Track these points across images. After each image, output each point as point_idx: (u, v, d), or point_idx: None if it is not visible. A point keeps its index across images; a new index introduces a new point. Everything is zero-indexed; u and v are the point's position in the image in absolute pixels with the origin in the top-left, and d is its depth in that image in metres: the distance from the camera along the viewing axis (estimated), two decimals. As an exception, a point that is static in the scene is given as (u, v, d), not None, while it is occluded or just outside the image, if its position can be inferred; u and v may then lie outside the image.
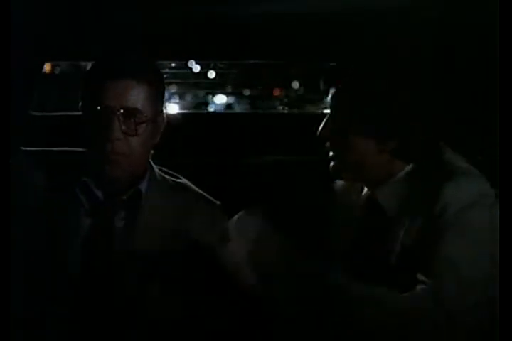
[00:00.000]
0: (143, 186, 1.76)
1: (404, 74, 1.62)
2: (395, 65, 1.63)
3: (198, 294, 1.68)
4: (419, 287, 1.49)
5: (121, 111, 1.65)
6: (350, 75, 1.63)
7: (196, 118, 2.68)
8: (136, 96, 1.67)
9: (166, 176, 1.84)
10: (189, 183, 1.85)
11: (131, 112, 1.66)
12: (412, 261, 1.54)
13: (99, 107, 1.65)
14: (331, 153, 1.67)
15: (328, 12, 1.96)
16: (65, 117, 2.47)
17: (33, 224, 1.70)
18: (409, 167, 1.64)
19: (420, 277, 1.50)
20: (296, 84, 6.88)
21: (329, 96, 1.67)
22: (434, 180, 1.56)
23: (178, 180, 1.85)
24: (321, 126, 1.66)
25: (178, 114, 2.75)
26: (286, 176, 2.31)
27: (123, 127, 1.66)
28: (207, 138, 2.42)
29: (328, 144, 1.67)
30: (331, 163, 1.68)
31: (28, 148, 1.89)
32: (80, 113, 1.74)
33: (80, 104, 1.73)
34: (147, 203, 1.75)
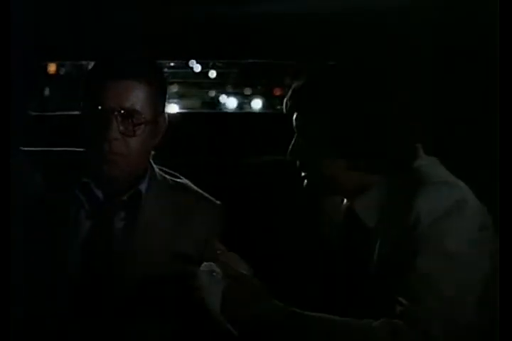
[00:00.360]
0: (143, 186, 1.76)
1: (367, 88, 1.60)
2: (355, 79, 1.61)
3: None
4: (398, 310, 1.44)
5: (120, 111, 1.65)
6: (309, 99, 1.62)
7: (196, 117, 2.68)
8: (136, 97, 1.67)
9: (166, 176, 1.84)
10: (190, 183, 1.86)
11: (129, 113, 1.66)
12: (389, 273, 1.51)
13: (99, 107, 1.65)
14: (302, 173, 1.67)
15: (328, 12, 1.96)
16: (65, 117, 2.48)
17: (33, 225, 1.70)
18: (382, 177, 1.61)
19: (397, 297, 1.45)
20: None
21: (293, 118, 1.67)
22: (408, 190, 1.53)
23: (179, 180, 1.85)
24: (289, 148, 1.67)
25: (178, 113, 2.75)
26: (288, 176, 2.31)
27: (121, 128, 1.66)
28: (207, 138, 2.42)
29: (298, 164, 1.67)
30: (305, 181, 1.67)
31: (28, 148, 1.89)
32: (79, 112, 1.74)
33: (81, 103, 1.73)
34: (147, 203, 1.75)
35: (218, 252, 1.54)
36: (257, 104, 6.85)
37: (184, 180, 1.86)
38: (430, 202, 1.49)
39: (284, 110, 1.69)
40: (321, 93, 1.61)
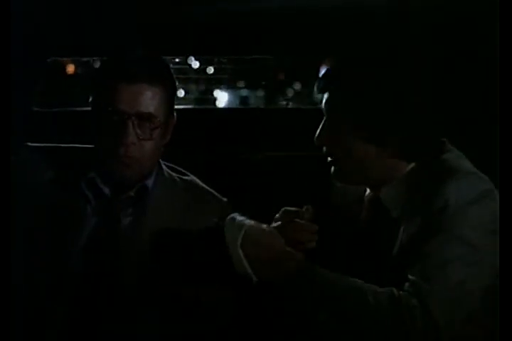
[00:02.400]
0: (149, 182, 1.77)
1: (401, 75, 1.60)
2: (391, 66, 1.60)
3: (203, 288, 1.69)
4: (406, 286, 1.47)
5: (136, 116, 1.66)
6: (343, 80, 1.61)
7: (201, 114, 2.68)
8: (151, 101, 1.68)
9: (172, 173, 1.84)
10: (196, 180, 1.86)
11: (145, 117, 1.67)
12: (408, 261, 1.52)
13: (114, 111, 1.66)
14: (329, 158, 1.66)
15: (327, 7, 1.96)
16: (70, 113, 2.48)
17: (39, 221, 1.71)
18: (410, 166, 1.62)
19: (411, 276, 1.47)
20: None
21: (323, 102, 1.66)
22: (436, 179, 1.54)
23: (185, 177, 1.85)
24: (317, 133, 1.65)
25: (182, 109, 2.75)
26: (295, 172, 2.32)
27: (138, 132, 1.67)
28: (214, 134, 2.42)
29: (325, 149, 1.65)
30: (332, 168, 1.67)
31: (34, 144, 1.90)
32: (83, 109, 1.74)
33: (91, 104, 1.73)
34: (154, 199, 1.76)
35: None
36: (259, 99, 6.82)
37: (191, 177, 1.86)
38: (460, 190, 1.51)
39: (316, 91, 1.67)
40: (353, 75, 1.59)
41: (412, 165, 1.62)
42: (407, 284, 1.47)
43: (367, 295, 1.46)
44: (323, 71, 1.66)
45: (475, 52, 1.95)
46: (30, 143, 1.89)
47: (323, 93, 1.65)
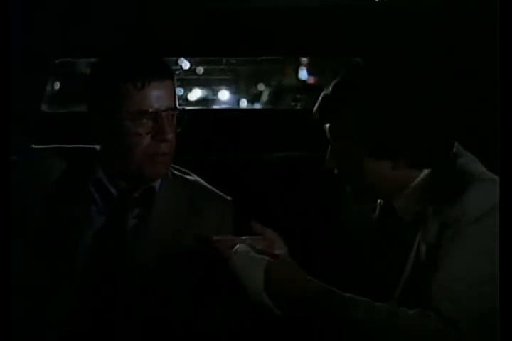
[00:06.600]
0: (156, 183, 1.77)
1: (409, 84, 1.57)
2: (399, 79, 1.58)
3: (207, 290, 1.71)
4: (432, 302, 1.45)
5: (166, 111, 1.67)
6: (350, 102, 1.56)
7: (204, 114, 2.69)
8: (172, 95, 1.70)
9: (176, 173, 1.85)
10: (200, 180, 1.86)
11: (171, 112, 1.69)
12: (427, 268, 1.50)
13: (142, 110, 1.65)
14: (344, 181, 1.64)
15: (322, 7, 1.97)
16: (76, 114, 2.49)
17: (46, 222, 1.72)
18: (424, 173, 1.59)
19: (433, 290, 1.46)
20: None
21: (327, 129, 1.61)
22: (453, 186, 1.52)
23: (190, 177, 1.86)
24: (327, 157, 1.62)
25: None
26: (297, 174, 2.32)
27: (171, 128, 1.68)
28: (218, 135, 2.43)
29: (336, 171, 1.63)
30: (346, 188, 1.65)
31: (40, 146, 1.91)
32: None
33: (101, 107, 1.71)
34: (160, 200, 1.76)
35: (262, 229, 1.59)
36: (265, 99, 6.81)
37: (195, 177, 1.86)
38: (479, 198, 1.48)
39: (316, 116, 1.63)
40: (359, 95, 1.56)
41: (426, 171, 1.59)
42: (433, 302, 1.45)
43: (395, 317, 1.45)
44: (319, 99, 1.62)
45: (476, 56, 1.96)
46: (38, 144, 1.91)
47: (327, 121, 1.61)
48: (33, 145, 1.90)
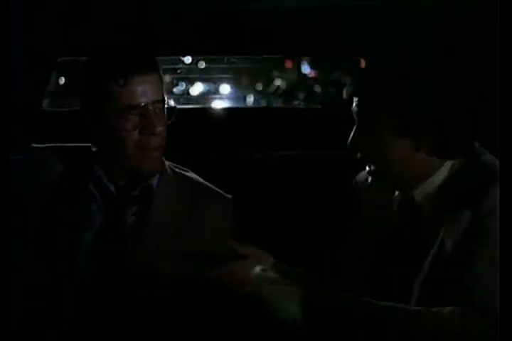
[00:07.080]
0: (154, 181, 1.77)
1: (435, 68, 1.59)
2: (421, 61, 1.60)
3: (205, 290, 1.69)
4: (467, 297, 1.46)
5: (154, 104, 1.67)
6: (378, 80, 1.58)
7: (204, 113, 2.69)
8: (159, 88, 1.70)
9: (177, 170, 1.85)
10: (199, 178, 1.87)
11: (159, 104, 1.69)
12: (453, 263, 1.51)
13: (130, 105, 1.66)
14: (367, 168, 1.63)
15: (321, 7, 1.97)
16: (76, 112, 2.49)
17: (47, 221, 1.72)
18: (445, 166, 1.59)
19: (468, 285, 1.46)
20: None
21: (354, 105, 1.61)
22: (480, 182, 1.52)
23: (188, 175, 1.86)
24: (351, 137, 1.62)
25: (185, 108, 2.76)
26: (297, 172, 2.33)
27: (159, 120, 1.68)
28: (218, 133, 2.43)
29: (359, 156, 1.62)
30: (369, 178, 1.66)
31: (40, 145, 1.91)
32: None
33: (90, 104, 1.72)
34: (159, 198, 1.77)
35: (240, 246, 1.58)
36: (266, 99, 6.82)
37: (193, 175, 1.87)
38: None
39: (345, 95, 1.65)
40: (389, 74, 1.57)
41: (447, 164, 1.59)
42: (468, 297, 1.45)
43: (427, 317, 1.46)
44: (355, 73, 1.65)
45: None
46: (37, 144, 1.91)
47: (356, 96, 1.61)
48: (33, 145, 1.90)
